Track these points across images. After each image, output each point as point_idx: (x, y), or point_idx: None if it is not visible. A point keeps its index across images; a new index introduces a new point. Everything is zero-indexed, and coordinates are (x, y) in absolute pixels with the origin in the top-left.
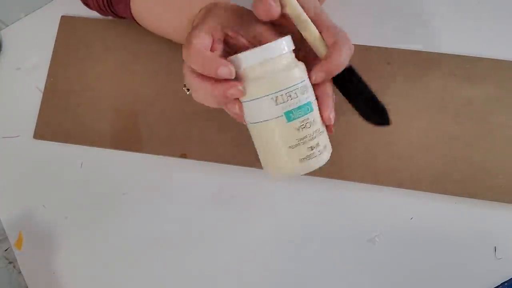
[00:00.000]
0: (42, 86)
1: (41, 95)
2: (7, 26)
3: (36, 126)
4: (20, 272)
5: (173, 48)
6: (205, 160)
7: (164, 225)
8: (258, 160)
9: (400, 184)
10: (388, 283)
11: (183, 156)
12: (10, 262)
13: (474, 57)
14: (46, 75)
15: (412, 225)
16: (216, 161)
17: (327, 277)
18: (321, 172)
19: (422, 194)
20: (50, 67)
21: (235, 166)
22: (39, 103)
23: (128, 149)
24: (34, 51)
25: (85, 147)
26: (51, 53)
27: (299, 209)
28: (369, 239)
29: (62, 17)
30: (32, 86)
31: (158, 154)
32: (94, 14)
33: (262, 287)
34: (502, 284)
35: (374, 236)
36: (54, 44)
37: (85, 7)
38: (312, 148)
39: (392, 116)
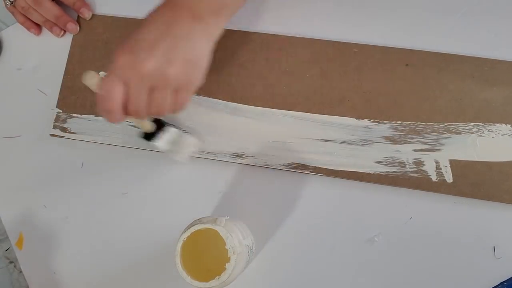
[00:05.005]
0: (42, 86)
1: (41, 95)
2: (8, 26)
3: (53, 125)
4: (21, 272)
5: None
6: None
7: (164, 225)
8: (259, 159)
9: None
10: (387, 283)
11: None
12: (11, 262)
13: (494, 59)
14: (47, 75)
15: (412, 224)
16: (218, 158)
17: (326, 277)
18: (321, 171)
19: (422, 194)
20: (67, 64)
21: (236, 164)
22: (40, 104)
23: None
24: (35, 51)
25: (85, 147)
26: (52, 53)
27: (299, 208)
28: (368, 238)
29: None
30: (33, 86)
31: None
32: (108, 11)
33: (260, 285)
34: (501, 283)
35: (373, 236)
36: (71, 42)
37: (97, 5)
38: None
39: (409, 117)
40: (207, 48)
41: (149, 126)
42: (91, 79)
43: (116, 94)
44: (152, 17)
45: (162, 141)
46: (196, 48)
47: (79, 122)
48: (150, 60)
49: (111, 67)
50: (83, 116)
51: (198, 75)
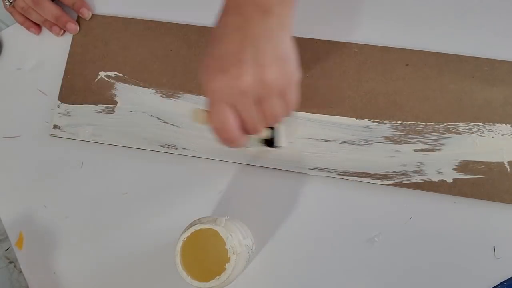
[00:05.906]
0: (42, 86)
1: (41, 95)
2: (8, 26)
3: (53, 125)
4: (20, 272)
5: (191, 46)
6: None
7: (164, 225)
8: (259, 158)
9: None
10: (387, 283)
11: None
12: (10, 262)
13: (494, 59)
14: (47, 75)
15: (412, 224)
16: (218, 158)
17: (326, 277)
18: (321, 171)
19: (422, 194)
20: (67, 64)
21: (236, 164)
22: (40, 104)
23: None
24: (35, 51)
25: (85, 147)
26: (52, 53)
27: (299, 208)
28: (368, 238)
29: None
30: (33, 86)
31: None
32: (111, 11)
33: (260, 285)
34: (501, 283)
35: (373, 236)
36: (71, 42)
37: (97, 5)
38: None
39: (409, 117)
40: (288, 40)
41: (267, 133)
42: (202, 116)
43: (231, 122)
44: (221, 28)
45: (283, 140)
46: (280, 44)
47: None
48: (245, 73)
49: (207, 93)
50: None
51: (294, 69)
